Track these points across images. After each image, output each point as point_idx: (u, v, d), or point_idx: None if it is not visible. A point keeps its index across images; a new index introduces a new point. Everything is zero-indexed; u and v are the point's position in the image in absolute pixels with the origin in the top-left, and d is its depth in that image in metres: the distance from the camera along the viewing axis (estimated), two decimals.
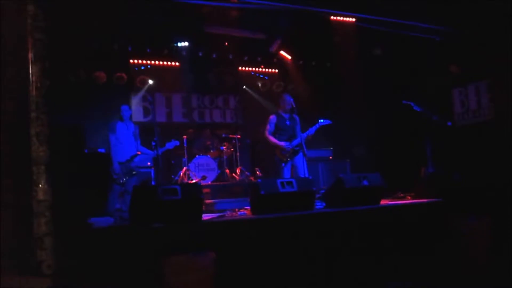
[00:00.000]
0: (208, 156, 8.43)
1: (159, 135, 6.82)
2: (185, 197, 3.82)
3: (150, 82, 8.70)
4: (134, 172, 6.32)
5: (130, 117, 6.82)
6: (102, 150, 6.67)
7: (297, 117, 6.43)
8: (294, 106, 6.30)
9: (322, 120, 6.34)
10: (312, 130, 6.32)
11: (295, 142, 6.26)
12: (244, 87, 10.08)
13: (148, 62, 9.03)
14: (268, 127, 6.41)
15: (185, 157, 8.22)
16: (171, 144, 6.94)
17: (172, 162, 8.65)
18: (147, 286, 3.29)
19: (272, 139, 6.33)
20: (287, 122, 6.40)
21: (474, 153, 6.96)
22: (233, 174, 8.57)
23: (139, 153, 6.60)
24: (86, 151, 6.46)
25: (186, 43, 8.66)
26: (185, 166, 8.12)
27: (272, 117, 6.47)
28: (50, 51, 3.25)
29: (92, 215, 4.14)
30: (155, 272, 3.25)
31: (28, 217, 2.97)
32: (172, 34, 8.41)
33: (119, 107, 6.72)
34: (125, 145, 6.49)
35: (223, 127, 9.62)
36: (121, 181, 6.04)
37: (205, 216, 4.35)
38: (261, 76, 10.22)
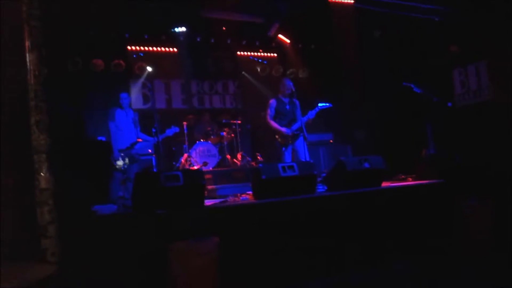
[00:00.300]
0: (209, 142, 8.42)
1: (159, 122, 6.81)
2: (187, 183, 3.83)
3: (149, 69, 8.64)
4: (135, 159, 6.33)
5: (130, 105, 6.81)
6: (102, 138, 6.66)
7: (297, 101, 6.41)
8: (293, 90, 6.28)
9: (322, 104, 6.31)
10: (312, 113, 6.27)
11: (295, 127, 6.23)
12: (243, 72, 10.03)
13: (146, 48, 8.97)
14: (268, 111, 6.38)
15: (186, 144, 8.22)
16: (171, 131, 6.93)
17: (173, 149, 8.65)
18: (151, 272, 3.31)
19: (273, 123, 6.31)
20: (287, 107, 6.36)
21: (475, 134, 6.95)
22: (234, 160, 8.58)
23: (139, 140, 6.60)
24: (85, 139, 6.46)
25: (184, 29, 8.59)
26: (186, 152, 8.12)
27: (272, 101, 6.43)
28: (46, 39, 3.22)
29: (95, 202, 4.15)
30: (159, 258, 3.27)
31: (30, 206, 2.98)
32: (169, 20, 8.33)
33: (118, 95, 6.70)
34: (125, 132, 6.50)
35: (223, 113, 9.59)
36: (122, 168, 6.06)
37: (208, 202, 4.36)
38: (260, 60, 10.15)
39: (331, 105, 6.35)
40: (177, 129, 7.03)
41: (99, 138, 6.86)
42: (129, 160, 6.20)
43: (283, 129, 6.22)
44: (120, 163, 6.07)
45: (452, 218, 4.60)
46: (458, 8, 7.47)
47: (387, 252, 4.24)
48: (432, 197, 4.68)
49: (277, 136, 6.30)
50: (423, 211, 4.54)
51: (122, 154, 6.23)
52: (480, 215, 4.57)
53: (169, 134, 6.92)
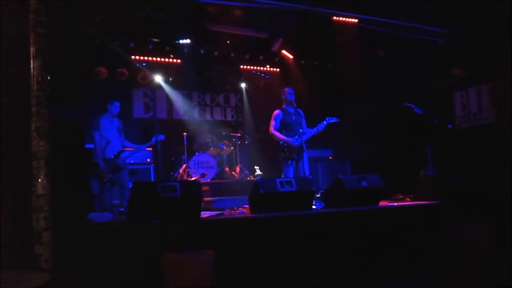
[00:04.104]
0: (208, 153, 8.43)
1: (160, 131, 6.79)
2: (184, 194, 3.83)
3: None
4: (120, 168, 6.24)
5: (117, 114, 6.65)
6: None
7: (301, 111, 6.26)
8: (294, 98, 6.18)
9: (331, 118, 6.18)
10: (322, 126, 6.08)
11: (305, 137, 5.98)
12: (242, 85, 10.07)
13: (150, 58, 9.02)
14: (273, 123, 6.11)
15: (185, 155, 8.22)
16: (154, 138, 6.77)
17: (172, 159, 8.65)
18: (145, 282, 3.29)
19: (280, 135, 6.04)
20: (293, 117, 6.12)
21: (475, 156, 6.96)
22: (233, 172, 8.57)
23: (129, 149, 6.53)
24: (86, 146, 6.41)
25: (188, 41, 8.65)
26: (184, 163, 8.12)
27: (277, 113, 6.16)
28: (51, 46, 3.25)
29: (90, 210, 4.14)
30: (153, 268, 3.26)
31: (27, 212, 2.97)
32: (174, 31, 8.39)
33: (112, 101, 6.51)
34: (110, 141, 6.34)
35: (223, 125, 9.62)
36: (107, 178, 5.98)
37: (204, 214, 4.35)
38: (262, 75, 10.21)
39: (338, 120, 6.26)
40: (162, 137, 6.87)
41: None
42: (113, 170, 6.13)
43: (291, 140, 5.98)
44: (103, 174, 6.01)
45: (449, 240, 4.59)
46: (462, 31, 7.53)
47: (381, 272, 4.22)
48: (430, 218, 4.67)
49: (283, 148, 6.03)
50: (420, 232, 4.53)
51: (107, 164, 6.15)
52: (478, 238, 4.55)
53: (153, 142, 6.73)
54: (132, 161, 7.42)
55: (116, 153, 6.25)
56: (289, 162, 6.05)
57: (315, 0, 7.07)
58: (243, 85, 10.11)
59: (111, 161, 6.17)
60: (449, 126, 6.91)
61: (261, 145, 9.19)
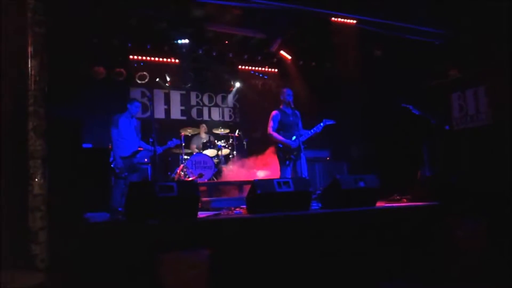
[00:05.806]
0: (206, 154, 8.42)
1: (157, 131, 6.81)
2: (182, 194, 3.82)
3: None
4: (136, 168, 6.28)
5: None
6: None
7: (298, 112, 6.28)
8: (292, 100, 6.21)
9: (327, 120, 6.20)
10: (319, 128, 6.12)
11: (302, 139, 6.01)
12: (238, 84, 10.06)
13: (148, 58, 9.02)
14: (271, 123, 6.12)
15: (182, 155, 8.22)
16: (172, 143, 6.97)
17: (169, 159, 8.65)
18: (142, 282, 3.29)
19: (278, 136, 6.06)
20: (291, 118, 6.15)
21: (471, 157, 6.97)
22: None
23: (141, 149, 6.57)
24: (83, 145, 6.40)
25: (187, 40, 8.66)
26: (182, 163, 8.11)
27: (276, 114, 6.17)
28: (49, 45, 3.24)
29: (91, 210, 4.12)
30: (149, 268, 3.25)
31: (23, 211, 2.96)
32: (172, 31, 8.40)
33: (132, 101, 6.73)
34: (127, 140, 6.45)
35: (221, 125, 9.63)
36: (123, 175, 5.99)
37: (201, 214, 4.35)
38: (260, 75, 10.21)
39: (335, 122, 6.28)
40: (178, 141, 7.06)
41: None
42: (130, 169, 6.15)
43: (289, 142, 6.00)
44: (119, 171, 6.01)
45: (446, 240, 4.59)
46: (459, 32, 7.55)
47: (378, 272, 4.23)
48: (427, 219, 4.67)
49: (281, 149, 6.07)
50: (417, 232, 4.53)
51: (124, 161, 6.18)
52: (474, 238, 4.56)
53: (170, 145, 6.96)
54: None
55: (132, 151, 6.27)
56: (287, 162, 6.07)
57: (313, 1, 7.08)
58: (241, 85, 10.11)
59: (128, 160, 6.19)
60: (446, 127, 6.93)
61: (258, 146, 9.19)
